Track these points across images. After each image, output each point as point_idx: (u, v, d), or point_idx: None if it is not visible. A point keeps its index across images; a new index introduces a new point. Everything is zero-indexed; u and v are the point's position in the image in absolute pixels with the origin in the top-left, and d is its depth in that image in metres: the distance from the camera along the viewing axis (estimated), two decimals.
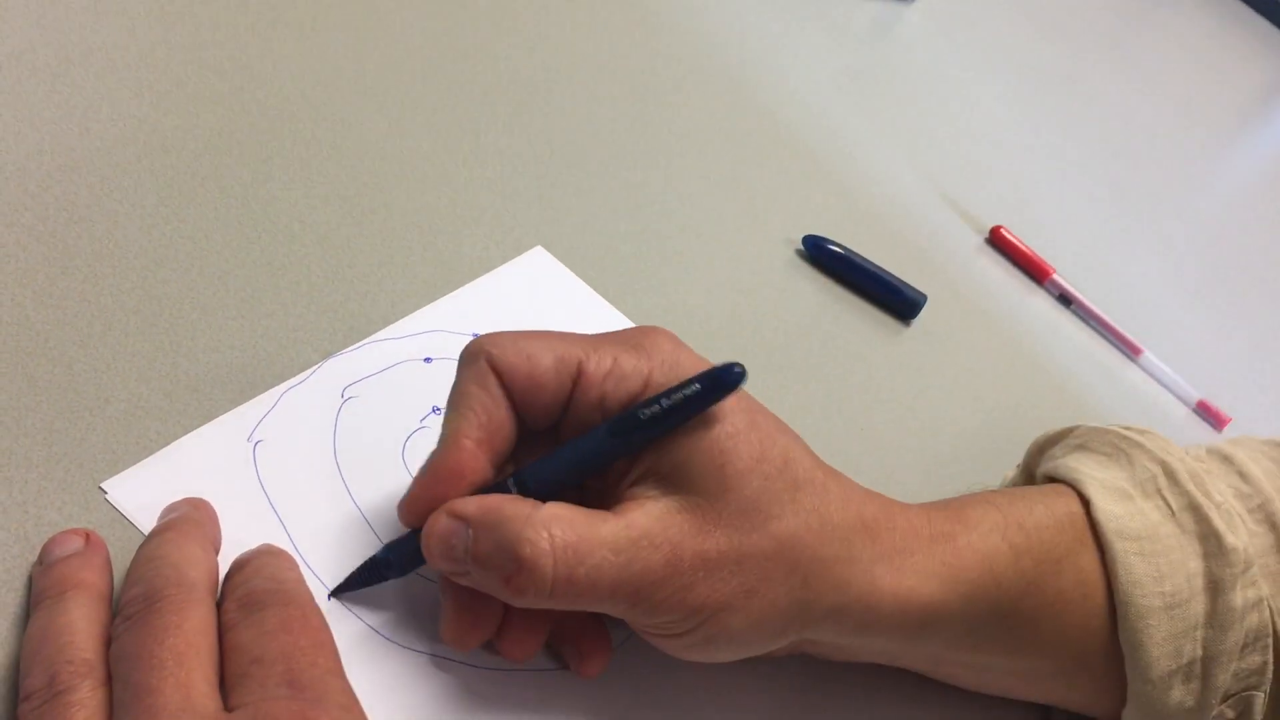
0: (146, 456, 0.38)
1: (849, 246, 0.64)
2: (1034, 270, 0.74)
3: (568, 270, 0.54)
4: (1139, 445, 0.44)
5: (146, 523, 0.36)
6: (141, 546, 0.34)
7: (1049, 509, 0.42)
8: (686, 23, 0.80)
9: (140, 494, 0.37)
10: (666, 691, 0.40)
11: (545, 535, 0.33)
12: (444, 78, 0.62)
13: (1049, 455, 0.47)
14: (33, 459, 0.37)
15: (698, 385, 0.35)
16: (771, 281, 0.61)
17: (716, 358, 0.53)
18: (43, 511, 0.35)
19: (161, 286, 0.44)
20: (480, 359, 0.37)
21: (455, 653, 0.37)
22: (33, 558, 0.34)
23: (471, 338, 0.47)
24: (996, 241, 0.75)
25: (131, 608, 0.31)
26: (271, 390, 0.42)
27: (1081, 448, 0.46)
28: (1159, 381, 0.72)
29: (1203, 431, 0.70)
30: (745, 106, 0.75)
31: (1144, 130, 1.09)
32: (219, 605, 0.33)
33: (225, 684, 0.30)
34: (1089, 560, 0.41)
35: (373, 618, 0.37)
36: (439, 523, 0.35)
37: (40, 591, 0.32)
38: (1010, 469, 0.52)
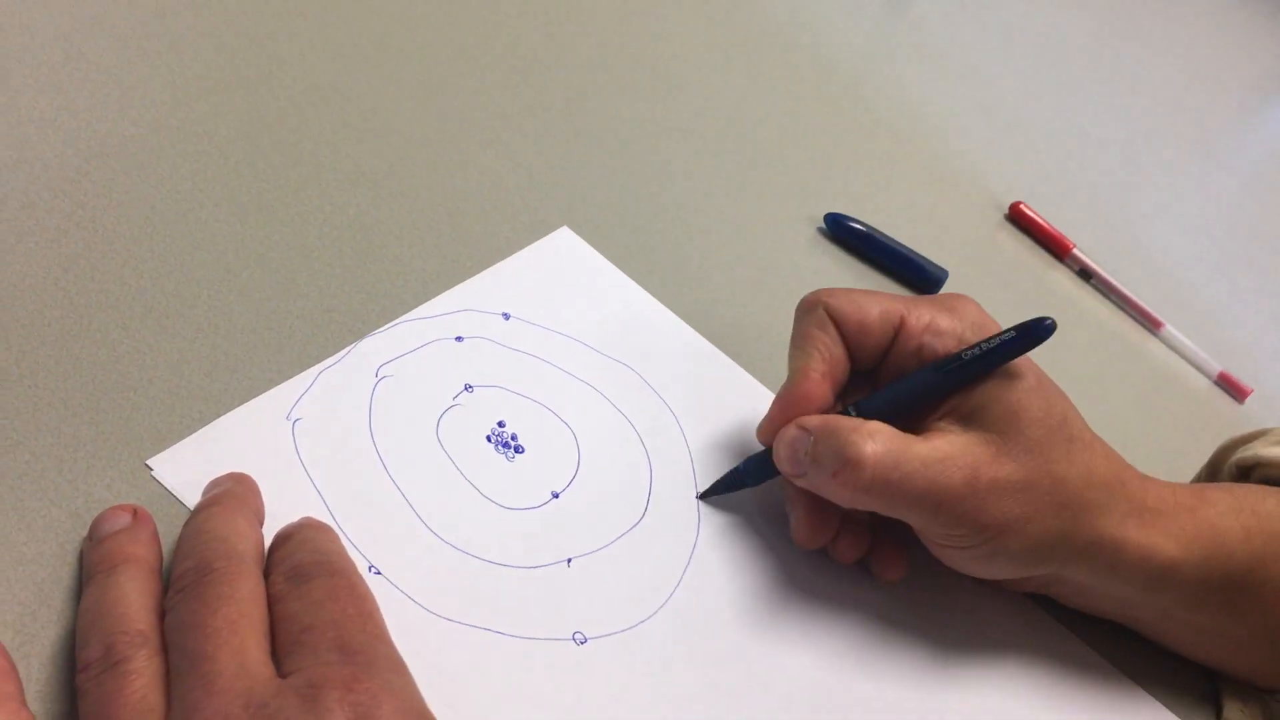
0: (189, 434, 0.39)
1: (870, 224, 0.65)
2: (1054, 245, 0.75)
3: (593, 250, 0.55)
4: None
5: (191, 498, 0.37)
6: (189, 520, 0.35)
7: (1279, 501, 0.47)
8: (704, 4, 0.80)
9: (184, 470, 0.38)
10: (691, 661, 0.41)
11: (869, 441, 0.40)
12: (467, 61, 0.63)
13: (1246, 448, 0.52)
14: (80, 438, 0.38)
15: (1014, 333, 0.41)
16: (794, 259, 0.62)
17: (740, 335, 0.54)
18: (92, 489, 0.36)
19: (198, 269, 0.45)
20: (819, 308, 0.44)
21: (488, 624, 0.38)
22: (83, 533, 0.35)
23: (501, 317, 0.49)
24: (1016, 217, 0.75)
25: (184, 580, 0.32)
26: (308, 370, 0.43)
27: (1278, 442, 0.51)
28: (1180, 354, 0.72)
29: (1224, 403, 0.70)
30: (764, 86, 0.75)
31: (1163, 104, 1.08)
32: (266, 577, 0.34)
33: (277, 652, 0.31)
34: None
35: (412, 589, 0.38)
36: (788, 433, 0.42)
37: (92, 566, 0.33)
38: None
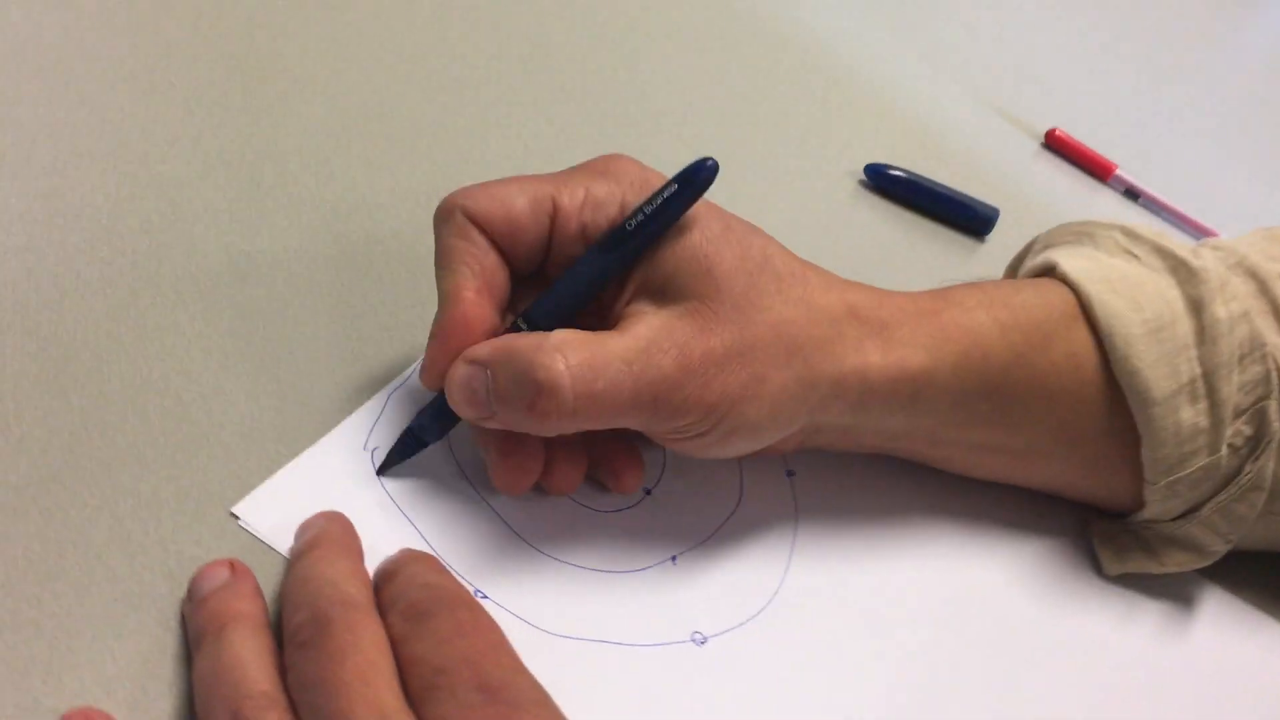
0: (269, 477, 0.38)
1: (911, 170, 0.63)
2: (1096, 169, 0.73)
3: None
4: (1096, 223, 0.46)
5: (281, 542, 0.36)
6: (292, 567, 0.34)
7: (1037, 291, 0.43)
8: None
9: (271, 514, 0.36)
10: (819, 645, 0.39)
11: (559, 357, 0.33)
12: (464, 52, 0.61)
13: (1022, 269, 0.48)
14: (161, 495, 0.36)
15: (675, 185, 0.36)
16: (839, 214, 0.60)
17: None
18: (181, 546, 0.35)
19: (252, 303, 0.43)
20: (456, 213, 0.37)
21: (605, 635, 0.37)
22: (180, 593, 0.34)
23: None
24: (1054, 144, 0.73)
25: (301, 634, 0.30)
26: (377, 395, 0.41)
27: (1048, 246, 0.47)
28: None
29: None
30: (789, 45, 0.73)
31: (1183, 11, 1.06)
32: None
33: (411, 700, 0.29)
34: (1080, 336, 0.41)
35: (521, 609, 0.37)
36: (457, 372, 0.36)
37: (198, 630, 0.32)
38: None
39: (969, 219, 0.62)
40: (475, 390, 0.35)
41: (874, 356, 0.38)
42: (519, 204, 0.37)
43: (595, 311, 0.38)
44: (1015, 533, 0.45)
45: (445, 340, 0.36)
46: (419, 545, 0.37)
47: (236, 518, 0.36)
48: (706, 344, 0.35)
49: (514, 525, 0.39)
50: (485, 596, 0.37)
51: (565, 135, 0.57)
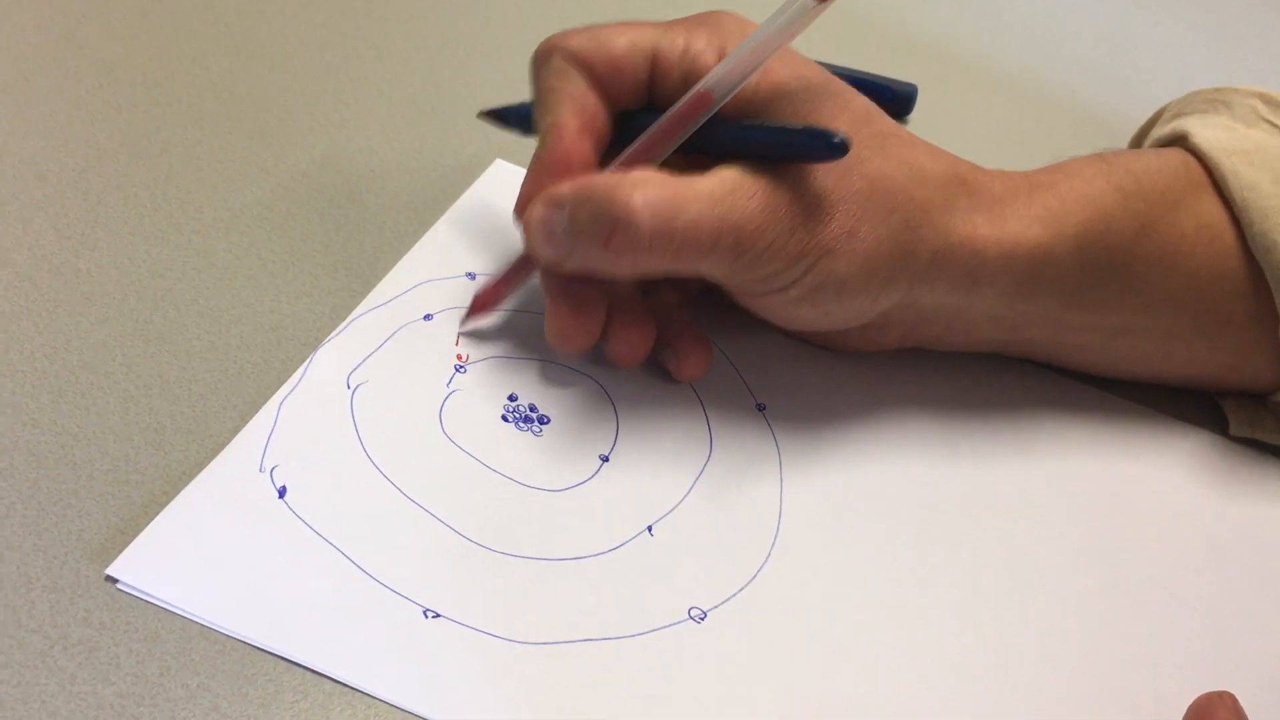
0: (149, 525, 0.31)
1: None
2: None
3: None
4: (1232, 90, 0.42)
5: (174, 597, 0.29)
6: None
7: (1159, 157, 0.40)
8: None
9: (156, 568, 0.30)
10: (831, 593, 0.34)
11: (637, 193, 0.32)
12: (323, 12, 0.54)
13: (1148, 139, 0.44)
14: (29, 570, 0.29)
15: (798, 141, 0.33)
16: None
17: None
18: (64, 627, 0.28)
19: (100, 330, 0.36)
20: (554, 55, 0.36)
21: (590, 633, 0.31)
22: (70, 684, 0.27)
23: (465, 278, 0.41)
24: None
25: None
26: (267, 405, 0.35)
27: (1178, 115, 0.43)
28: None
29: None
30: None
31: None
32: None
33: None
34: (1209, 204, 0.38)
35: (486, 623, 0.30)
36: (535, 211, 0.35)
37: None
38: None
39: (884, 103, 0.56)
40: (552, 229, 0.34)
41: (985, 229, 0.35)
42: (619, 45, 0.36)
43: (685, 169, 0.35)
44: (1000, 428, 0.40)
45: (541, 175, 0.35)
46: (344, 569, 0.31)
47: (114, 580, 0.29)
48: (793, 191, 0.33)
49: (453, 525, 0.33)
50: (438, 615, 0.30)
51: (433, 113, 0.51)
